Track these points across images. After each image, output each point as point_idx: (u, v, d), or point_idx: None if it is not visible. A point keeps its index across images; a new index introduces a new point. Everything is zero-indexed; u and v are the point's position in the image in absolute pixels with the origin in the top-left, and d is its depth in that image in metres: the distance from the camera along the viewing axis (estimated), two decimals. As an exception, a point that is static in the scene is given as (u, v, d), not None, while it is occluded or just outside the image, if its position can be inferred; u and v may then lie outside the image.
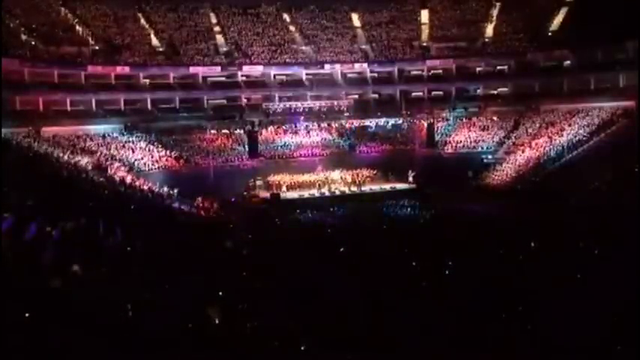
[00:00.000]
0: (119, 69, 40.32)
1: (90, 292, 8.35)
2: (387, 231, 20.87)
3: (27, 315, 6.51)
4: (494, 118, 41.36)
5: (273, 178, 33.75)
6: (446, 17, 48.79)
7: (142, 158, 34.37)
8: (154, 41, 44.12)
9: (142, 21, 45.29)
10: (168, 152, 35.80)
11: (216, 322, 8.37)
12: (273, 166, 36.25)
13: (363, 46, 47.33)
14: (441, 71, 45.98)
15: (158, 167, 34.20)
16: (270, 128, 39.42)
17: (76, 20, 42.09)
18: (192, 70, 42.54)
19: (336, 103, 40.36)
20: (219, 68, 43.24)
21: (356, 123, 39.90)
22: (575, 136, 34.66)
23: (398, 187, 33.69)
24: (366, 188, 33.50)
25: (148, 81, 41.53)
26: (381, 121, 40.04)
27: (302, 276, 13.05)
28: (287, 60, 44.98)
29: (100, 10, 44.05)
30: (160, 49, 43.62)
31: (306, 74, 44.63)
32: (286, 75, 44.86)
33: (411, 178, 34.27)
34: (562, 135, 35.70)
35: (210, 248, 16.13)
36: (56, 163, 26.81)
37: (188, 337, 7.67)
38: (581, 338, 9.17)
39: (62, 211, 13.58)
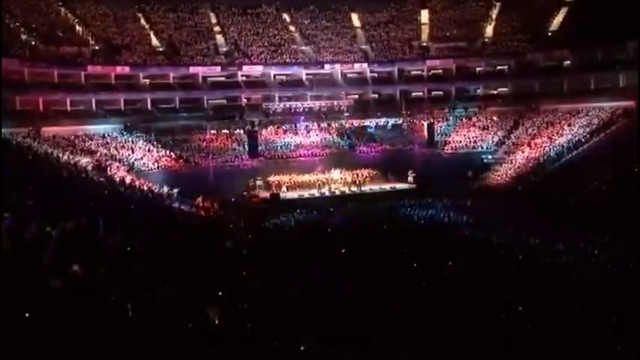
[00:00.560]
0: (119, 69, 40.30)
1: (90, 292, 8.35)
2: (387, 231, 20.86)
3: (27, 315, 6.51)
4: (494, 118, 41.38)
5: (273, 178, 33.76)
6: (446, 17, 48.78)
7: (142, 158, 34.36)
8: (154, 41, 44.11)
9: (142, 21, 45.28)
10: (168, 152, 35.78)
11: (216, 322, 8.37)
12: (273, 166, 36.23)
13: (363, 46, 47.32)
14: (440, 71, 45.97)
15: (158, 167, 34.18)
16: (270, 128, 39.41)
17: (75, 20, 42.08)
18: (192, 70, 42.52)
19: (336, 103, 40.34)
20: (219, 68, 43.22)
21: (356, 123, 39.89)
22: (575, 136, 34.66)
23: (398, 187, 33.71)
24: (366, 188, 33.52)
25: (147, 81, 41.51)
26: (381, 121, 40.03)
27: (302, 276, 13.05)
28: (287, 60, 44.96)
29: (100, 10, 44.04)
30: (160, 49, 43.60)
31: (306, 74, 44.61)
32: (286, 75, 44.84)
33: (410, 178, 34.29)
34: (562, 135, 35.70)
35: (210, 248, 16.13)
36: (56, 163, 26.81)
37: (188, 337, 7.66)
38: (581, 338, 9.17)
39: (62, 211, 13.58)
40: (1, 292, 6.77)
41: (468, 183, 34.41)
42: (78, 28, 41.72)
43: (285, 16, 48.82)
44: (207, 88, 42.66)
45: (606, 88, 37.44)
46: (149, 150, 35.59)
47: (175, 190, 29.19)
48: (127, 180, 28.66)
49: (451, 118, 41.80)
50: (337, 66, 45.07)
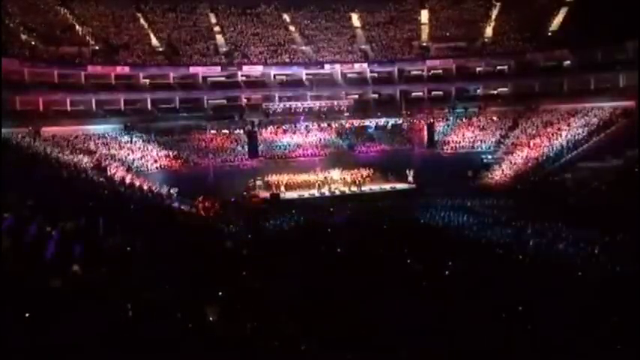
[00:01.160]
0: (119, 69, 40.31)
1: (90, 292, 8.35)
2: (387, 231, 20.86)
3: (27, 315, 6.51)
4: (494, 118, 41.38)
5: (273, 178, 33.76)
6: (445, 17, 48.78)
7: (142, 158, 34.36)
8: (154, 41, 44.12)
9: (142, 21, 45.28)
10: (168, 152, 35.79)
11: (216, 322, 8.37)
12: (272, 166, 36.23)
13: (363, 46, 47.32)
14: (440, 71, 45.98)
15: (158, 167, 34.19)
16: (270, 128, 39.40)
17: (75, 20, 42.08)
18: (192, 70, 42.53)
19: (336, 103, 40.31)
20: (219, 68, 43.23)
21: (356, 123, 39.87)
22: (575, 136, 34.67)
23: (398, 187, 33.71)
24: (366, 188, 33.50)
25: (147, 81, 41.51)
26: (381, 121, 40.01)
27: (302, 276, 13.04)
28: (287, 60, 44.96)
29: (99, 10, 44.05)
30: (160, 49, 43.62)
31: (306, 74, 44.62)
32: (286, 75, 44.85)
33: (410, 178, 34.28)
34: (561, 135, 35.70)
35: (210, 248, 16.13)
36: (56, 163, 26.81)
37: (188, 337, 7.66)
38: (582, 338, 9.17)
39: (62, 211, 13.58)
40: (1, 292, 6.77)
41: (468, 183, 34.41)
42: (77, 28, 41.72)
43: (285, 16, 48.82)
44: (207, 88, 42.66)
45: (606, 88, 37.43)
46: (149, 150, 35.59)
47: (175, 190, 29.22)
48: (127, 180, 28.68)
49: (451, 118, 41.80)
50: (337, 66, 45.07)
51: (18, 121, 31.22)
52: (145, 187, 28.58)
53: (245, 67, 43.71)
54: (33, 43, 37.41)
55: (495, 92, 44.85)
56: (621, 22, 33.70)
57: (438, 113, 41.46)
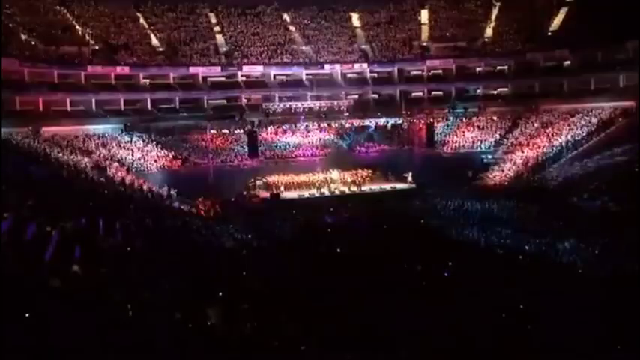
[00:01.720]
0: (119, 69, 40.32)
1: (90, 292, 8.35)
2: (387, 231, 20.85)
3: (27, 315, 6.51)
4: (494, 118, 41.35)
5: (273, 179, 33.72)
6: (445, 17, 48.79)
7: (142, 158, 34.36)
8: (154, 41, 44.14)
9: (142, 21, 45.30)
10: (168, 152, 35.78)
11: (216, 322, 8.37)
12: (272, 166, 36.22)
13: (363, 46, 47.33)
14: (440, 71, 45.98)
15: (158, 167, 34.18)
16: (270, 128, 39.39)
17: (75, 20, 42.09)
18: (192, 70, 42.54)
19: (336, 103, 40.29)
20: (219, 68, 43.25)
21: (356, 123, 39.86)
22: (575, 136, 34.66)
23: (398, 187, 33.70)
24: (366, 188, 33.47)
25: (148, 81, 41.52)
26: (381, 121, 40.01)
27: (302, 276, 13.05)
28: (287, 60, 44.97)
29: (99, 10, 44.06)
30: (160, 49, 43.63)
31: (306, 74, 44.62)
32: (286, 75, 44.86)
33: (410, 178, 34.26)
34: (561, 135, 35.69)
35: (210, 249, 16.13)
36: (56, 163, 26.82)
37: (188, 337, 7.66)
38: (582, 338, 9.17)
39: (62, 211, 13.58)
40: (1, 292, 6.77)
41: (468, 183, 34.41)
42: (77, 28, 41.75)
43: (285, 16, 48.83)
44: (207, 88, 42.67)
45: (606, 88, 37.43)
46: (149, 150, 35.58)
47: (175, 190, 29.21)
48: (127, 180, 28.67)
49: (451, 118, 41.77)
50: (337, 66, 45.08)
51: (18, 121, 31.23)
52: (145, 187, 28.57)
53: (245, 67, 43.73)
54: (33, 43, 37.41)
55: (495, 92, 44.84)
56: (621, 22, 33.70)
57: (438, 113, 41.44)
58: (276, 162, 37.09)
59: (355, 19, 49.68)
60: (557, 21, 44.37)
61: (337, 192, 32.55)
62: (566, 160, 32.71)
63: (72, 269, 9.01)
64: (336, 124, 39.62)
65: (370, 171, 35.26)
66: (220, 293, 10.13)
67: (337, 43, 47.04)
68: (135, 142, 35.98)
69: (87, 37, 41.40)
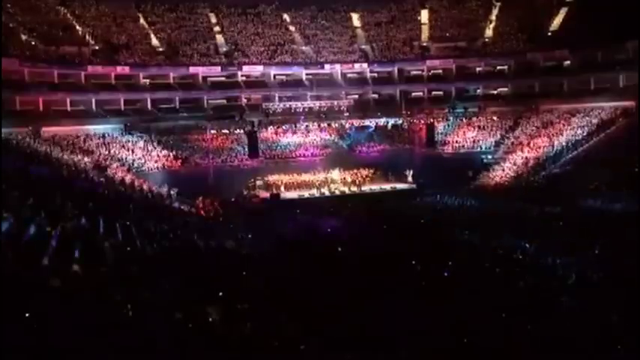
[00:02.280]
0: (119, 69, 40.38)
1: (90, 292, 8.35)
2: (387, 230, 20.85)
3: (27, 315, 6.50)
4: (494, 118, 41.39)
5: (273, 178, 33.75)
6: (446, 17, 48.84)
7: (142, 158, 34.38)
8: (154, 41, 44.16)
9: (142, 21, 45.33)
10: (168, 152, 35.80)
11: (216, 322, 8.37)
12: (272, 166, 36.26)
13: (363, 46, 47.37)
14: (440, 71, 46.03)
15: (158, 167, 34.20)
16: (270, 128, 39.41)
17: (75, 20, 42.11)
18: (192, 70, 42.60)
19: (336, 103, 40.34)
20: (219, 68, 43.30)
21: (356, 123, 39.89)
22: (575, 136, 34.67)
23: (398, 187, 33.73)
24: (366, 188, 33.51)
25: (148, 81, 41.57)
26: (381, 121, 40.03)
27: (302, 276, 13.04)
28: (287, 60, 45.00)
29: (99, 10, 44.08)
30: (160, 49, 43.65)
31: (306, 74, 44.66)
32: (286, 75, 44.91)
33: (410, 178, 34.28)
34: (562, 135, 35.70)
35: (210, 248, 16.13)
36: (56, 163, 26.81)
37: (188, 337, 7.66)
38: (581, 338, 9.16)
39: (62, 211, 13.58)
40: (1, 292, 6.77)
41: (468, 183, 34.41)
42: (77, 28, 41.77)
43: (285, 16, 48.88)
44: (207, 88, 42.71)
45: (606, 88, 37.46)
46: (149, 150, 35.59)
47: (175, 190, 29.20)
48: (127, 180, 28.67)
49: (451, 118, 41.81)
50: (337, 66, 45.12)
51: (18, 121, 31.24)
52: (145, 187, 28.57)
53: (245, 67, 43.78)
54: (33, 43, 37.43)
55: (495, 92, 44.89)
56: (621, 22, 33.71)
57: (438, 113, 41.47)
58: (277, 162, 37.13)
59: (355, 19, 49.71)
60: (557, 21, 44.41)
61: (337, 192, 32.58)
62: (567, 160, 32.72)
63: (72, 269, 9.00)
64: (336, 124, 39.65)
65: (370, 171, 35.30)
66: (220, 293, 10.12)
67: (337, 43, 47.08)
68: (135, 142, 36.00)
69: (87, 37, 41.43)
